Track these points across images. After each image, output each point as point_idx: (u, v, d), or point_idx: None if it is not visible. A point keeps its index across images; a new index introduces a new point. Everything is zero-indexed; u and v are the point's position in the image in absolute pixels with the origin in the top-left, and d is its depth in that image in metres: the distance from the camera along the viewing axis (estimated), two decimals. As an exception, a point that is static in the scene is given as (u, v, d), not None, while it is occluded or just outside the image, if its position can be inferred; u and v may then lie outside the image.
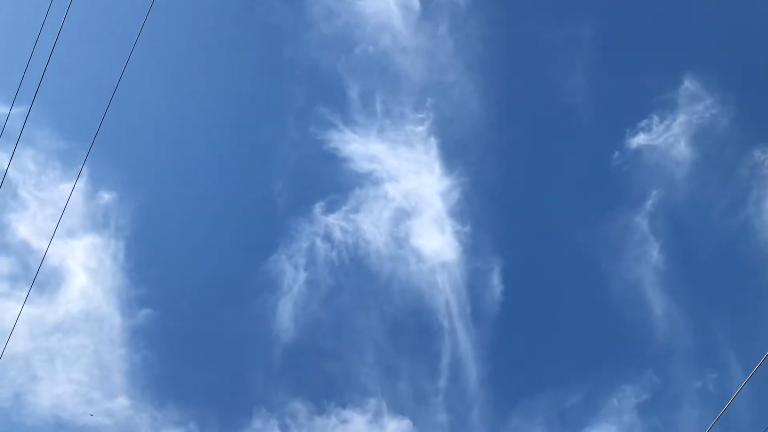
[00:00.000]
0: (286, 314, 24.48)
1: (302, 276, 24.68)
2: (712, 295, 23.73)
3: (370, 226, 24.77)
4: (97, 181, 24.26)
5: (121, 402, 23.54)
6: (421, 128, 24.69)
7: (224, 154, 25.87)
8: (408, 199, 24.88)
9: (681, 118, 23.61)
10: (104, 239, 24.30)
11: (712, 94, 23.45)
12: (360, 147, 24.64)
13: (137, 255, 24.60)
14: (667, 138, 23.64)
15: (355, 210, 24.79)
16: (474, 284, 24.54)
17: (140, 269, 24.58)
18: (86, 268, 24.12)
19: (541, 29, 24.94)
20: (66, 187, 23.78)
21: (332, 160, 24.76)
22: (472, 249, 24.60)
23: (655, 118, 23.75)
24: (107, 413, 23.40)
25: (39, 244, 23.66)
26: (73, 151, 24.06)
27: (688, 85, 23.62)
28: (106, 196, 24.33)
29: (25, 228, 23.69)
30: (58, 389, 23.40)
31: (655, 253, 23.72)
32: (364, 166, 24.72)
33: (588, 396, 23.38)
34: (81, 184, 24.00)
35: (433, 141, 24.74)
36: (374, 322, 24.71)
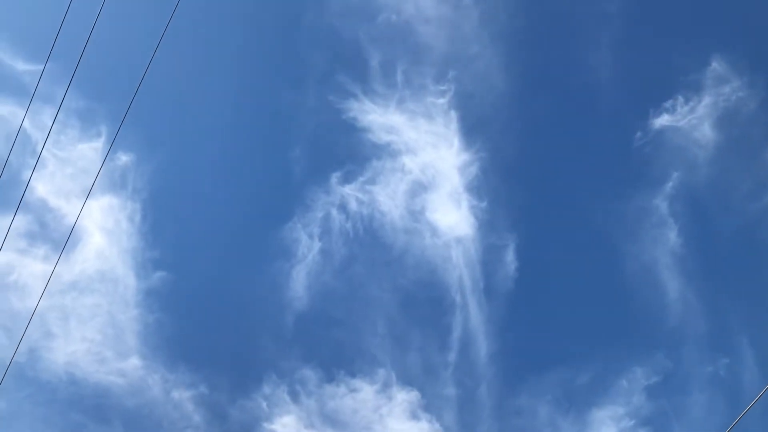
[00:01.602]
0: (299, 282, 24.58)
1: (317, 245, 24.72)
2: (728, 281, 23.54)
3: (386, 198, 24.69)
4: (116, 142, 24.29)
5: (133, 362, 23.85)
6: (441, 100, 24.45)
7: (242, 119, 25.83)
8: (425, 173, 24.74)
9: (706, 100, 23.20)
10: (121, 200, 24.44)
11: (740, 77, 23.00)
12: (379, 117, 24.47)
13: (153, 217, 24.74)
14: (692, 120, 23.26)
15: (372, 181, 24.71)
16: (488, 260, 24.48)
17: (156, 231, 24.74)
18: (103, 229, 24.30)
19: (568, 4, 24.50)
20: (84, 147, 23.86)
21: (350, 129, 24.63)
22: (487, 225, 24.49)
23: (680, 99, 23.36)
24: (119, 373, 23.72)
25: (56, 202, 23.83)
26: (92, 111, 24.08)
27: (716, 66, 23.17)
28: (124, 158, 24.41)
29: (44, 186, 23.84)
30: (71, 347, 23.73)
31: (672, 236, 23.51)
32: (382, 137, 24.57)
33: (597, 376, 23.38)
34: (99, 144, 24.09)
35: (453, 114, 24.51)
36: (386, 293, 24.76)
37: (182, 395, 23.81)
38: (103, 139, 24.09)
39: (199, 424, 23.62)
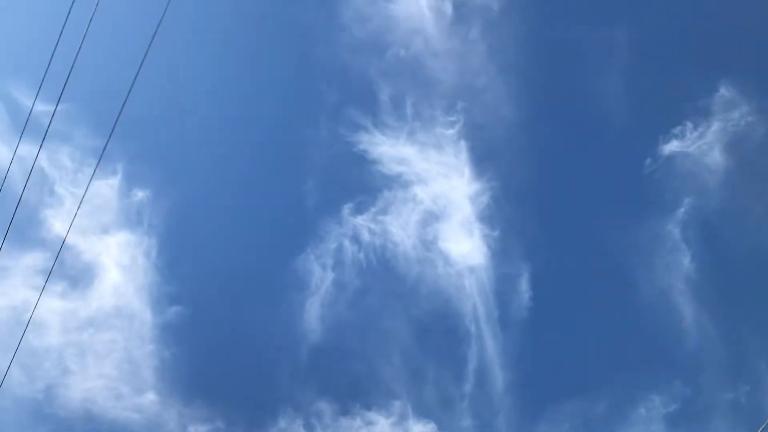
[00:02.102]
0: (313, 314, 24.63)
1: (330, 276, 24.81)
2: (744, 306, 23.32)
3: (398, 228, 24.82)
4: (132, 179, 24.69)
5: (150, 397, 23.88)
6: (451, 131, 24.69)
7: (256, 153, 26.17)
8: (437, 202, 24.88)
9: (716, 126, 23.28)
10: (137, 236, 24.71)
11: (748, 102, 23.09)
12: (389, 149, 24.72)
13: (169, 252, 24.97)
14: (701, 145, 23.32)
15: (384, 212, 24.87)
16: (502, 289, 24.44)
17: (171, 267, 24.95)
18: (119, 265, 24.55)
19: (574, 32, 24.78)
20: (101, 185, 24.23)
21: (362, 161, 24.88)
22: (500, 254, 24.50)
23: (689, 125, 23.45)
24: (136, 408, 23.76)
25: (73, 239, 24.13)
26: (109, 150, 24.45)
27: (724, 92, 23.29)
28: (140, 194, 24.74)
29: (61, 224, 24.18)
30: (88, 383, 23.83)
31: (686, 262, 23.41)
32: (393, 168, 24.80)
33: (615, 405, 23.11)
34: (115, 181, 24.46)
35: (463, 144, 24.72)
36: (401, 324, 24.73)
37: (198, 430, 23.80)
38: (119, 176, 24.51)
39: (216, 460, 23.56)
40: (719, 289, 23.48)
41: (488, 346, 24.02)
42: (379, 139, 24.70)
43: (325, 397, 24.06)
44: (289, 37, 25.77)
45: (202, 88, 25.81)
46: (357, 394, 24.22)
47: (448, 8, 24.47)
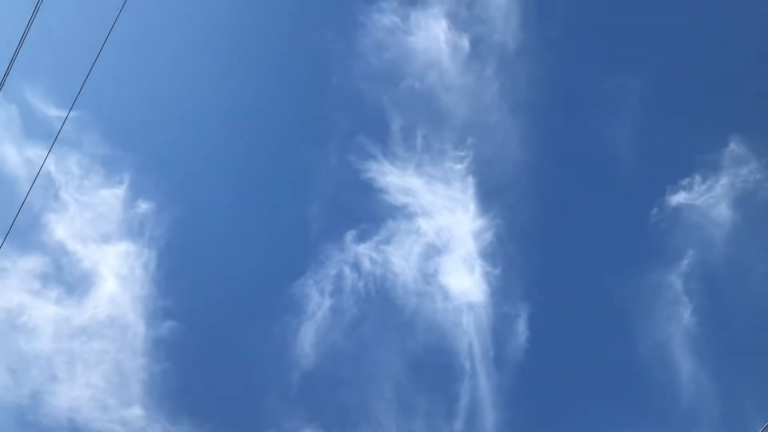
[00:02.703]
0: (307, 339, 24.42)
1: (327, 302, 24.65)
2: (742, 364, 23.06)
3: (400, 259, 24.72)
4: (138, 190, 24.70)
5: (136, 411, 23.60)
6: (459, 166, 24.72)
7: (264, 173, 26.19)
8: (440, 236, 24.81)
9: (724, 180, 23.27)
10: (138, 247, 24.64)
11: (758, 159, 23.09)
12: (396, 179, 24.73)
13: (168, 266, 24.87)
14: (708, 198, 23.29)
15: (386, 241, 24.79)
16: (499, 328, 24.24)
17: (169, 281, 24.83)
18: (117, 275, 24.44)
19: (589, 77, 24.93)
20: (106, 193, 24.23)
21: (368, 189, 24.89)
22: (500, 292, 24.35)
23: (698, 178, 23.45)
24: (121, 421, 23.46)
25: (74, 246, 24.06)
26: (117, 158, 24.56)
27: (734, 147, 23.32)
28: (144, 206, 24.73)
29: (63, 230, 24.14)
30: (75, 392, 23.56)
31: (687, 315, 23.22)
32: (399, 198, 24.79)
33: (606, 454, 22.78)
34: (121, 191, 24.45)
35: (470, 180, 24.73)
36: (395, 356, 24.49)
37: (182, 448, 23.46)
38: (125, 186, 24.52)
39: (197, 480, 23.19)
40: (718, 344, 23.27)
41: (481, 385, 23.76)
42: (387, 169, 24.74)
43: (312, 424, 23.77)
44: (306, 61, 25.98)
45: (215, 105, 25.96)
46: (345, 424, 23.94)
47: (465, 44, 24.68)
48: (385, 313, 24.75)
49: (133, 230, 24.65)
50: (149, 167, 25.04)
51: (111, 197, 24.49)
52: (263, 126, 26.16)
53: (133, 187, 24.61)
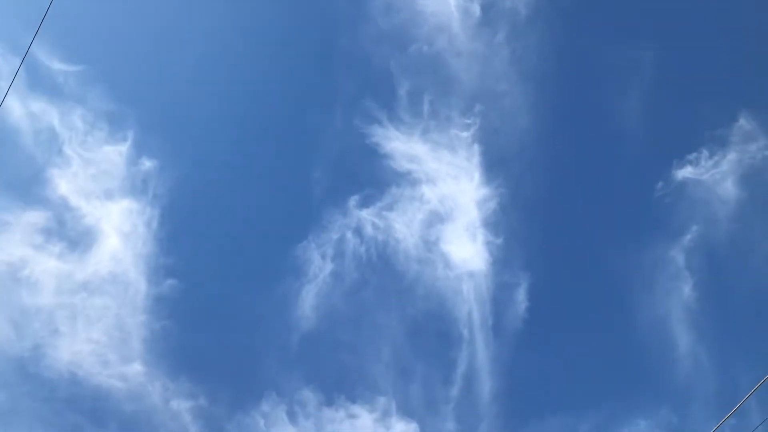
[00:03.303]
0: (308, 302, 24.54)
1: (329, 266, 24.70)
2: (740, 340, 23.20)
3: (402, 225, 24.69)
4: (141, 147, 24.56)
5: (136, 368, 23.81)
6: (466, 134, 24.52)
7: (269, 135, 26.03)
8: (443, 204, 24.74)
9: (731, 156, 23.09)
10: (141, 205, 24.60)
11: (766, 135, 22.90)
12: (402, 145, 24.56)
13: (170, 225, 24.86)
14: (715, 174, 23.14)
15: (389, 207, 24.73)
16: (499, 297, 24.32)
17: (171, 239, 24.84)
18: (119, 232, 24.45)
19: (600, 48, 24.59)
20: (110, 150, 24.10)
21: (373, 154, 24.74)
22: (501, 261, 24.37)
23: (705, 153, 23.27)
24: (121, 377, 23.69)
25: (77, 201, 24.03)
26: (121, 115, 24.39)
27: (743, 123, 23.09)
28: (147, 163, 24.62)
29: (66, 185, 24.08)
30: (76, 347, 23.75)
31: (687, 290, 23.26)
32: (403, 164, 24.65)
33: (600, 425, 23.02)
34: (124, 147, 24.32)
35: (476, 148, 24.55)
36: (394, 321, 24.63)
37: (181, 405, 23.73)
38: (129, 143, 24.38)
39: (195, 436, 23.50)
40: (717, 320, 23.36)
41: (479, 353, 23.93)
42: (392, 134, 24.56)
43: (311, 385, 24.01)
44: (313, 23, 25.63)
45: (221, 65, 25.68)
46: (343, 386, 24.18)
47: (476, 9, 24.28)
48: (385, 279, 24.83)
49: (136, 188, 24.60)
50: (153, 125, 24.89)
51: (114, 154, 24.39)
52: (269, 87, 25.93)
53: (136, 144, 24.49)
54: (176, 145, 25.24)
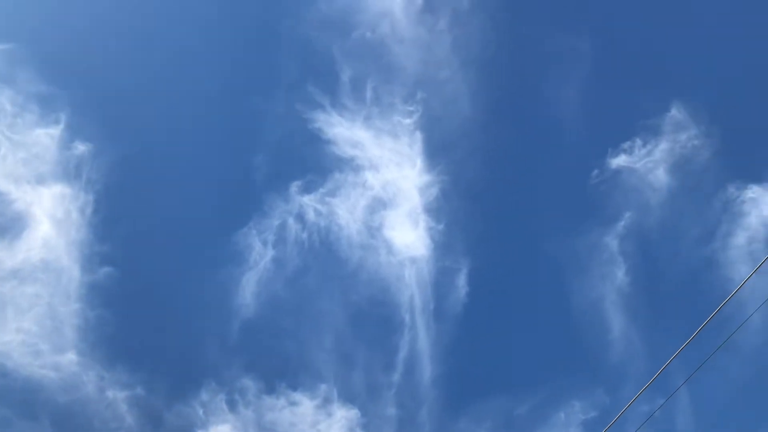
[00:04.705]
0: (248, 289, 24.28)
1: (270, 253, 24.49)
2: (670, 323, 24.08)
3: (345, 211, 24.65)
4: (74, 131, 23.76)
5: (69, 357, 23.13)
6: (408, 120, 24.63)
7: (207, 119, 25.57)
8: (386, 190, 24.81)
9: (663, 145, 23.89)
10: (74, 191, 23.82)
11: (697, 125, 23.77)
12: (345, 131, 24.50)
13: (105, 211, 24.17)
14: (647, 163, 23.90)
15: (332, 194, 24.66)
16: (440, 283, 24.60)
17: (106, 226, 24.16)
18: (51, 218, 23.63)
19: (541, 37, 25.05)
20: (41, 133, 23.24)
21: (315, 140, 24.60)
22: (443, 247, 24.63)
23: (638, 142, 24.01)
24: (53, 367, 22.98)
25: (7, 186, 23.12)
26: (53, 97, 23.53)
27: (675, 113, 23.91)
28: (81, 147, 23.84)
29: (-7, 168, 23.12)
30: (6, 337, 22.91)
31: (620, 275, 24.00)
32: (346, 150, 24.59)
33: (537, 407, 23.59)
34: (57, 130, 23.47)
35: (418, 135, 24.71)
36: (336, 308, 24.63)
37: (117, 395, 23.18)
38: (61, 126, 23.54)
39: (132, 427, 23.00)
40: (649, 304, 24.20)
41: (420, 338, 24.17)
42: (335, 120, 24.46)
43: (251, 373, 23.81)
44: (255, 5, 25.26)
45: (159, 46, 25.06)
46: (284, 374, 24.07)
47: (419, -4, 24.36)
48: (328, 265, 24.78)
49: (69, 172, 23.80)
50: (87, 107, 24.11)
51: (46, 137, 23.51)
52: (209, 70, 25.46)
53: (69, 128, 23.67)
54: (111, 129, 24.54)
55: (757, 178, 23.02)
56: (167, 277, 25.12)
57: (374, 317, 24.83)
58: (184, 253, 25.37)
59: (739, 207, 23.01)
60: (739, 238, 22.81)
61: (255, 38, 25.27)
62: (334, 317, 24.54)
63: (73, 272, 23.60)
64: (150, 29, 24.77)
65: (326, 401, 23.53)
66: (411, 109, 24.58)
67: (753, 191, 22.84)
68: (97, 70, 24.47)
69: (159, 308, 24.88)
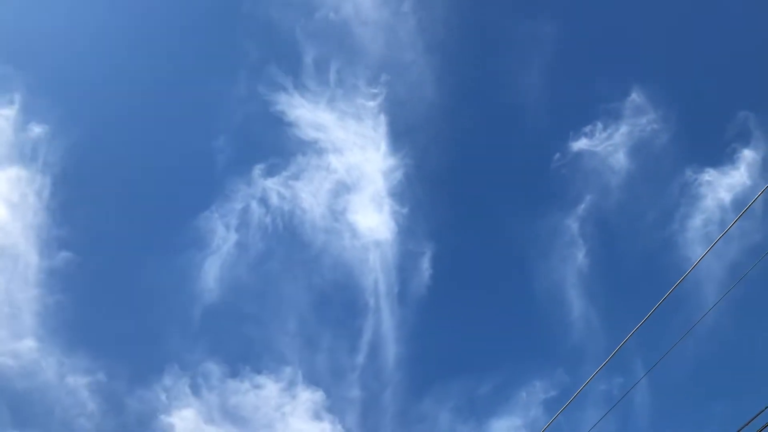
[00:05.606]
0: (211, 274, 24.09)
1: (233, 237, 24.30)
2: (628, 303, 24.55)
3: (309, 195, 24.55)
4: (30, 112, 23.17)
5: (28, 344, 22.73)
6: (372, 103, 24.54)
7: (168, 101, 25.16)
8: (350, 173, 24.75)
9: (623, 129, 24.24)
10: (30, 173, 23.28)
11: (656, 110, 24.16)
12: (308, 113, 24.32)
13: (63, 194, 23.71)
14: (608, 146, 24.24)
15: (295, 177, 24.52)
16: (404, 266, 24.71)
17: (65, 209, 23.71)
18: (7, 201, 23.09)
19: (504, 21, 25.13)
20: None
21: (278, 123, 24.38)
22: (407, 231, 24.72)
23: (599, 125, 24.32)
24: (12, 354, 22.56)
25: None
26: (7, 77, 22.89)
27: (635, 97, 24.26)
28: (37, 129, 23.27)
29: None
30: (-39, 323, 22.41)
31: (580, 257, 24.38)
32: (309, 133, 24.44)
33: (499, 387, 23.93)
34: (12, 112, 22.88)
35: (382, 118, 24.65)
36: (300, 291, 24.60)
37: (78, 381, 22.86)
38: (16, 107, 22.94)
39: (94, 413, 22.73)
40: (608, 285, 24.65)
41: (384, 320, 24.29)
42: (298, 102, 24.26)
43: (215, 357, 23.69)
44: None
45: (119, 27, 24.51)
46: (248, 358, 24.01)
47: (382, -23, 24.19)
48: (292, 249, 24.70)
49: (25, 155, 23.23)
50: (43, 88, 23.51)
51: (0, 119, 22.91)
52: (169, 50, 25.00)
53: (25, 109, 23.07)
54: (68, 110, 23.99)
55: (714, 162, 23.56)
56: (128, 262, 24.82)
57: (338, 301, 24.89)
58: (144, 238, 25.07)
59: (696, 189, 23.53)
60: (696, 220, 23.36)
61: (215, 18, 24.90)
62: (298, 301, 24.54)
63: (30, 257, 23.14)
64: (108, 10, 24.23)
65: (291, 384, 23.57)
66: (375, 91, 24.52)
67: (709, 174, 23.36)
68: (53, 50, 23.89)
69: (120, 293, 24.58)
